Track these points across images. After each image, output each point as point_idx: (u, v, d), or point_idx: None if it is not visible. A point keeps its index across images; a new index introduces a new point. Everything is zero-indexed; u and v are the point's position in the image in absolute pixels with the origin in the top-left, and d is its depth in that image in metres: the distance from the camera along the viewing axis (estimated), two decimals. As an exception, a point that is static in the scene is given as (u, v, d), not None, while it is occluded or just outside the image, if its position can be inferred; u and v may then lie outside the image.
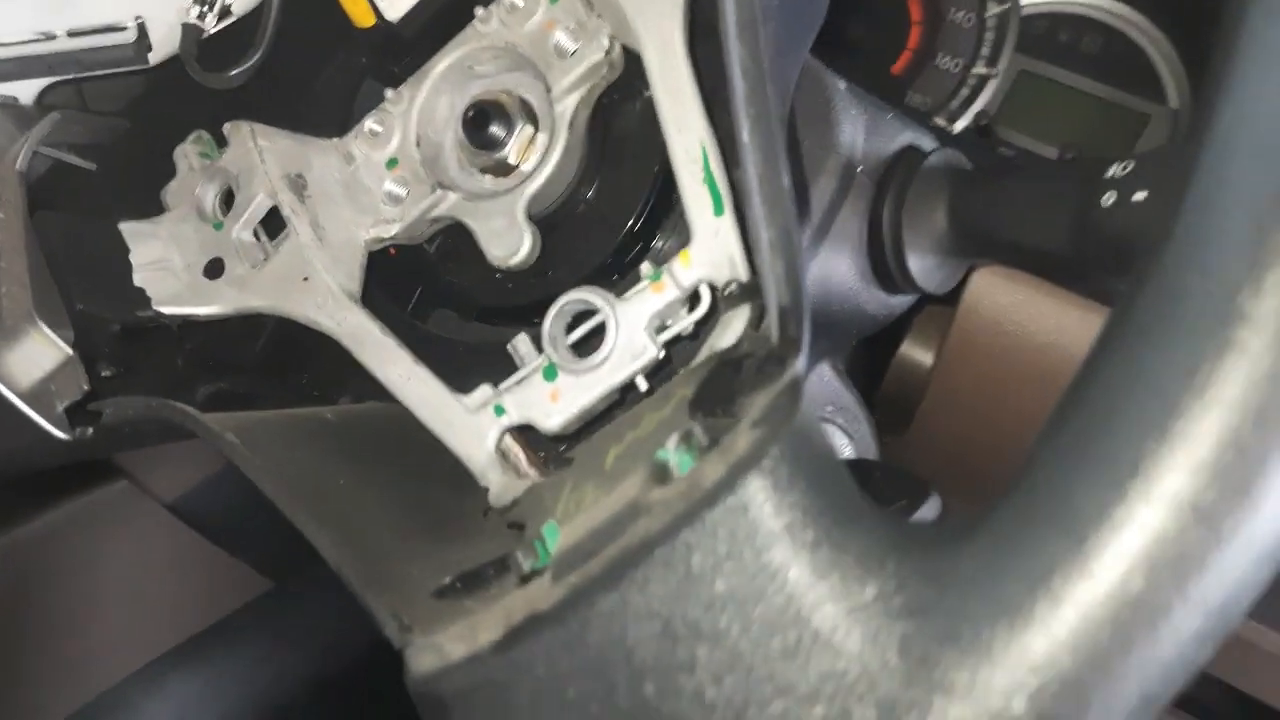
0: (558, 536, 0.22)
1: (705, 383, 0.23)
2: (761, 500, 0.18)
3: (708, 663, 0.17)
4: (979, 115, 0.47)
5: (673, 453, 0.21)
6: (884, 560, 0.17)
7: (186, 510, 0.76)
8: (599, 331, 0.28)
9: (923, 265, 0.32)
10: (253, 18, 0.33)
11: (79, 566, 0.75)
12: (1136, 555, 0.15)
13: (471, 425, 0.29)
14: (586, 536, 0.20)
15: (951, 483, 0.43)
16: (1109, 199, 0.27)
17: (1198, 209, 0.16)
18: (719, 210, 0.26)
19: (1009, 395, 0.39)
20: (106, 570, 0.76)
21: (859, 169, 0.32)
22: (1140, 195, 0.27)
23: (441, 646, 0.20)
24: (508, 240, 0.32)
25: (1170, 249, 0.16)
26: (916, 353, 0.45)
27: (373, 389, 0.33)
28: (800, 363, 0.20)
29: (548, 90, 0.32)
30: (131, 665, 0.76)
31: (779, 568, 0.17)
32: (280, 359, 0.35)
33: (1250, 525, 0.15)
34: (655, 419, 0.23)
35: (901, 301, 0.36)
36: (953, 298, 0.41)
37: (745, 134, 0.21)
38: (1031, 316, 0.38)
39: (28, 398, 0.26)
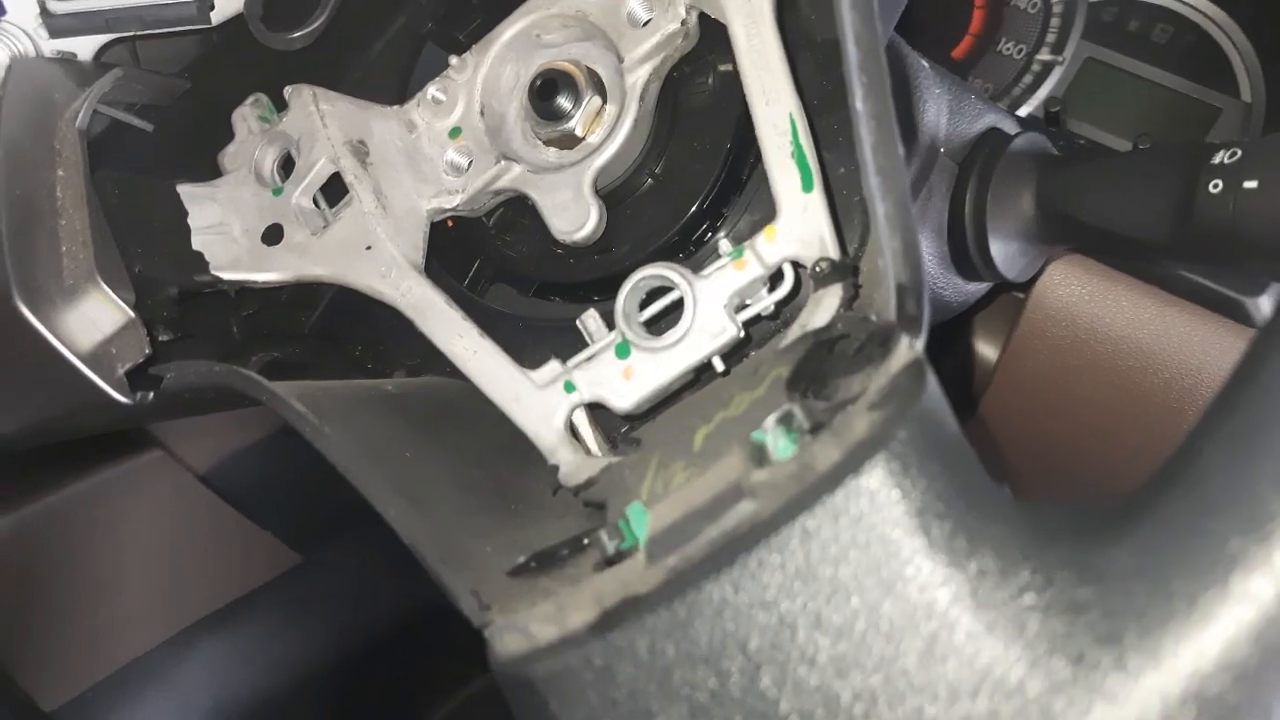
0: (646, 518, 0.21)
1: (802, 363, 0.22)
2: (889, 486, 0.17)
3: (832, 656, 0.16)
4: (1049, 101, 0.45)
5: (771, 434, 0.20)
6: (1027, 551, 0.16)
7: (218, 482, 0.76)
8: (673, 309, 0.27)
9: (1005, 251, 0.31)
10: (318, -22, 0.32)
11: (112, 534, 0.75)
12: None
13: (540, 401, 0.28)
14: (683, 518, 0.19)
15: (1015, 475, 0.42)
16: (1215, 186, 0.26)
17: None
18: (808, 186, 0.25)
19: (1078, 387, 0.38)
20: (138, 539, 0.76)
21: (941, 150, 0.31)
22: (1251, 184, 0.25)
23: (527, 628, 0.19)
24: (573, 214, 0.31)
25: None
26: (983, 344, 0.44)
27: (427, 363, 0.33)
28: (921, 342, 0.18)
29: (619, 61, 0.31)
30: (162, 634, 0.76)
31: (910, 558, 0.16)
32: (335, 329, 0.34)
33: None
34: (748, 399, 0.22)
35: (977, 289, 0.35)
36: (1020, 288, 0.40)
37: (860, 102, 0.20)
38: (1107, 308, 0.36)
39: (88, 360, 0.25)
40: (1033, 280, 0.38)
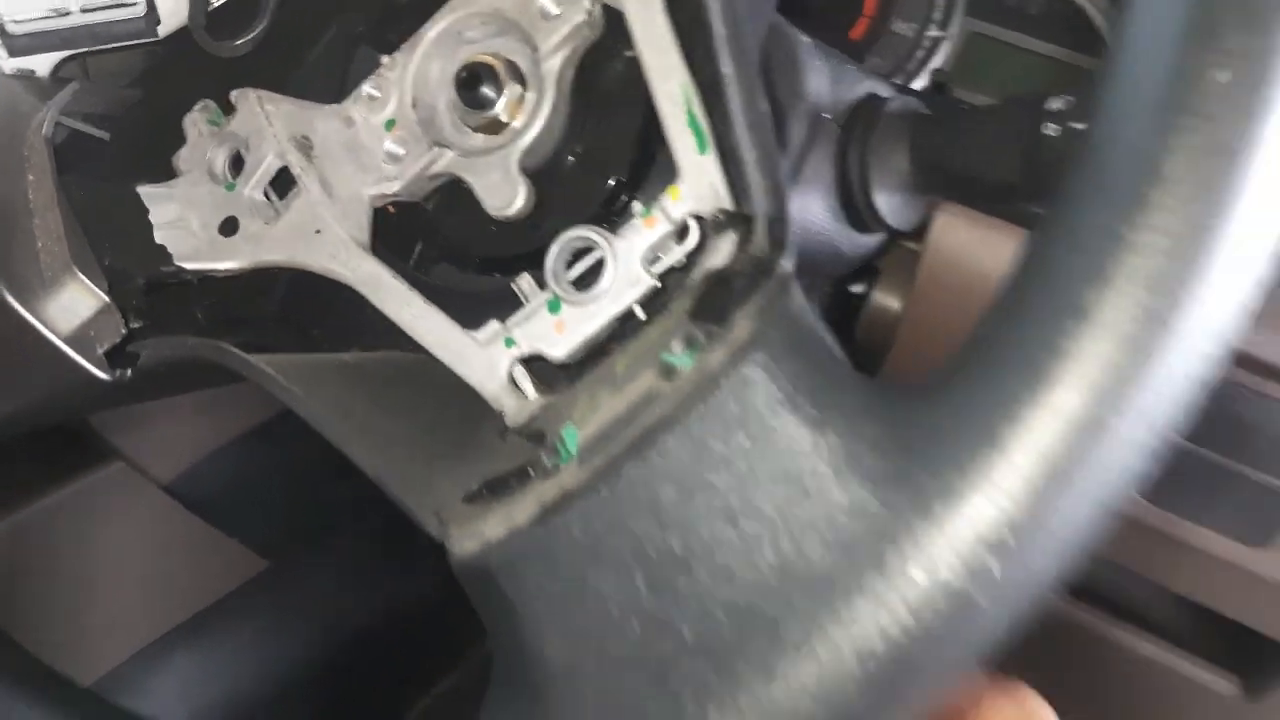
0: (577, 435, 0.24)
1: (701, 296, 0.26)
2: (764, 374, 0.21)
3: (724, 509, 0.20)
4: (935, 73, 0.50)
5: (677, 354, 0.24)
6: (869, 417, 0.20)
7: (183, 491, 0.78)
8: (597, 267, 0.31)
9: (889, 202, 0.35)
10: (255, -10, 0.35)
11: (78, 549, 0.76)
12: (1082, 382, 0.18)
13: (483, 357, 0.31)
14: (607, 426, 0.23)
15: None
16: (1051, 130, 0.30)
17: (1100, 138, 0.20)
18: (703, 148, 0.29)
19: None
20: (105, 552, 0.78)
21: (826, 115, 0.35)
22: (1080, 125, 0.30)
23: (481, 532, 0.23)
24: (504, 192, 0.34)
25: (1073, 180, 0.20)
26: (886, 298, 0.48)
27: (380, 341, 0.36)
28: (788, 261, 0.22)
29: (534, 52, 0.35)
30: (133, 645, 0.78)
31: (781, 428, 0.20)
32: (293, 314, 0.37)
33: (1136, 394, 0.18)
34: (658, 330, 0.26)
35: (871, 240, 0.39)
36: (912, 240, 0.44)
37: (726, 68, 0.24)
38: (991, 252, 0.41)
39: (70, 342, 0.28)
40: (925, 229, 0.42)
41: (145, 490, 0.75)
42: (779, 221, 0.23)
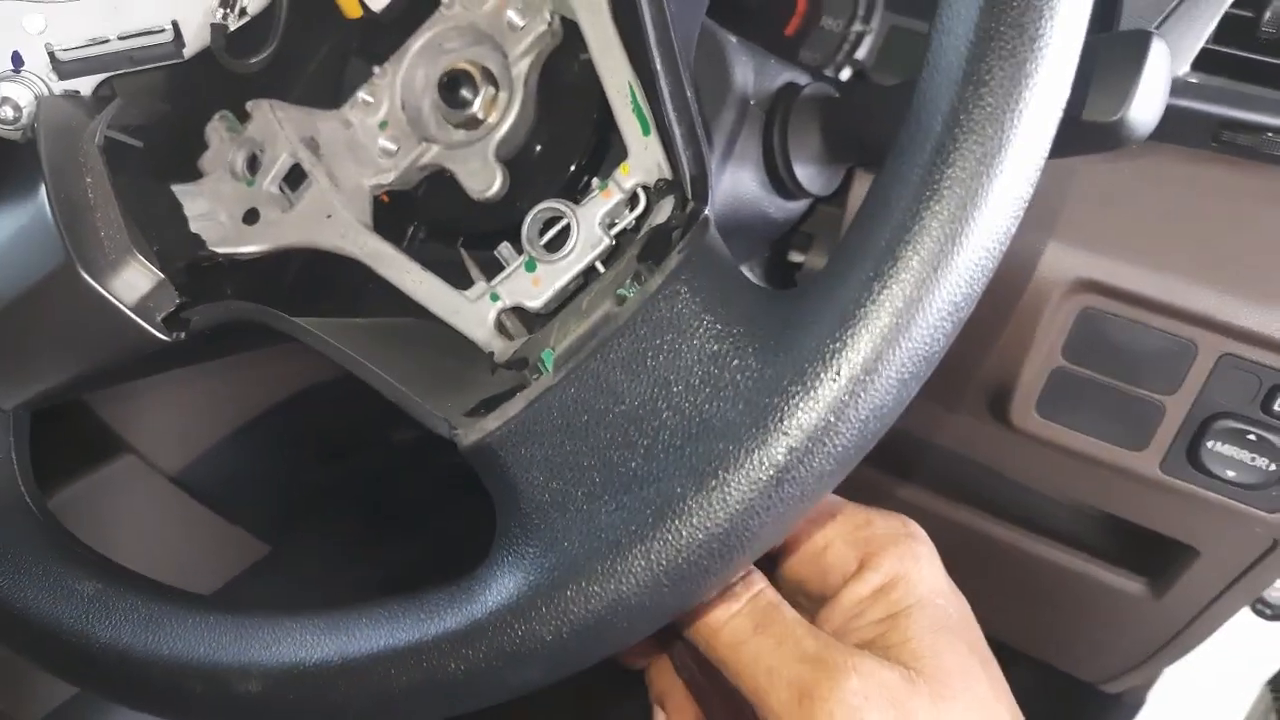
0: (552, 355, 0.31)
1: (647, 244, 0.33)
2: (688, 289, 0.28)
3: (661, 383, 0.27)
4: (854, 64, 0.57)
5: (628, 287, 0.31)
6: (765, 318, 0.27)
7: (190, 481, 0.83)
8: (564, 232, 0.37)
9: (807, 172, 0.42)
10: (263, 16, 0.41)
11: (90, 541, 0.81)
12: (904, 274, 0.25)
13: (474, 311, 0.38)
14: (574, 342, 0.30)
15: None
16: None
17: (915, 111, 0.27)
18: (646, 131, 0.36)
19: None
20: (118, 543, 0.83)
21: (751, 102, 0.42)
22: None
23: (483, 426, 0.30)
24: (483, 178, 0.41)
25: (902, 135, 0.27)
26: (817, 260, 0.55)
27: (382, 309, 0.42)
28: (708, 208, 0.29)
29: (504, 58, 0.41)
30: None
31: (699, 328, 0.27)
32: (306, 290, 0.44)
33: (941, 280, 0.26)
34: (614, 273, 0.33)
35: (797, 206, 0.46)
36: (833, 203, 0.51)
37: (656, 64, 0.31)
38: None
39: (135, 311, 0.34)
40: (845, 197, 0.49)
41: (154, 481, 0.81)
42: (700, 179, 0.31)
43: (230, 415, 0.83)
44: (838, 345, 0.25)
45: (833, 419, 0.25)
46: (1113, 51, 0.32)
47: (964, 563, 0.67)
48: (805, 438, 0.25)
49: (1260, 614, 0.61)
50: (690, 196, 0.31)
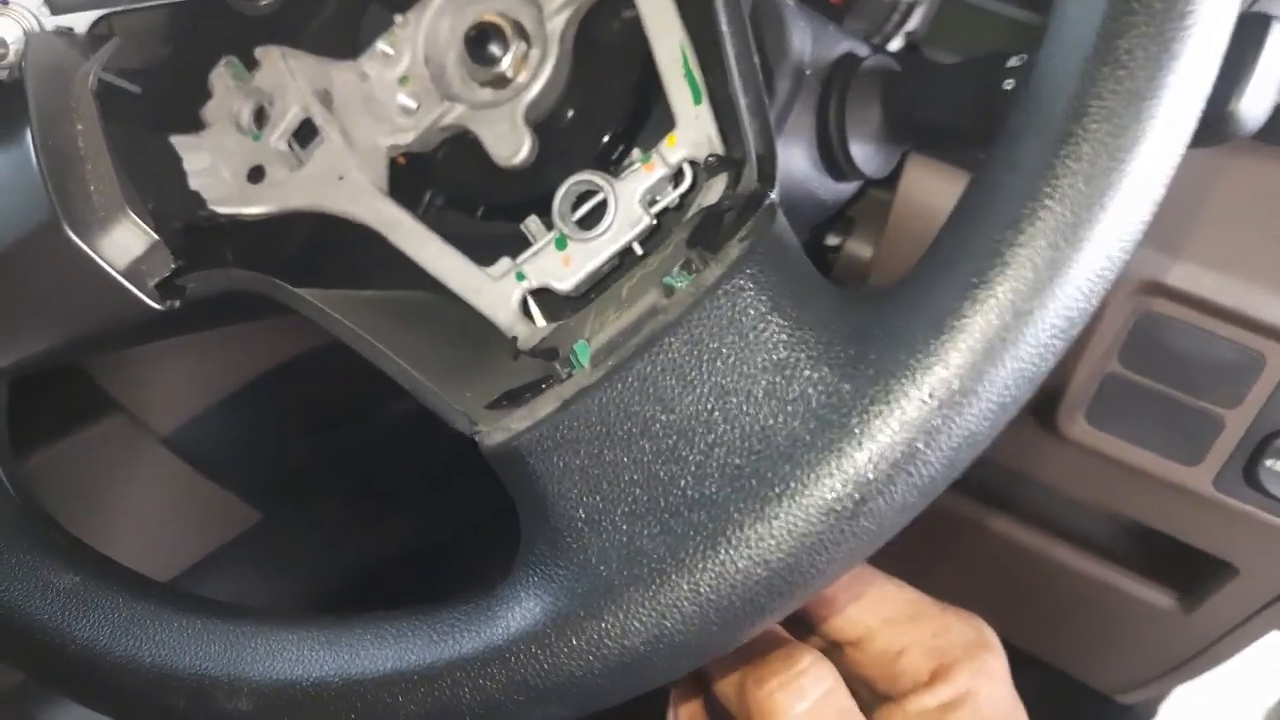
0: (588, 347, 0.28)
1: (697, 228, 0.29)
2: (753, 283, 0.24)
3: (718, 393, 0.24)
4: (908, 35, 0.53)
5: (677, 276, 0.27)
6: (839, 316, 0.24)
7: (180, 444, 0.80)
8: (599, 209, 0.34)
9: (863, 151, 0.39)
10: (277, -48, 0.37)
11: (78, 500, 0.78)
12: (1014, 281, 0.22)
13: (497, 290, 0.35)
14: (615, 336, 0.27)
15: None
16: (1008, 84, 0.34)
17: (1033, 94, 0.23)
18: (697, 100, 0.32)
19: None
20: (104, 503, 0.80)
21: (808, 72, 0.38)
22: (1034, 80, 0.33)
23: (508, 426, 0.27)
24: (510, 142, 0.37)
25: (1014, 121, 0.24)
26: (859, 247, 0.51)
27: (393, 282, 0.39)
28: (775, 192, 0.26)
29: (538, 11, 0.38)
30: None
31: (766, 327, 0.24)
32: (313, 258, 0.40)
33: (1055, 289, 0.23)
34: (659, 258, 0.29)
35: (847, 188, 0.42)
36: (883, 189, 0.47)
37: (723, 26, 0.27)
38: (953, 202, 0.44)
39: (126, 275, 0.31)
40: (895, 183, 0.45)
41: (145, 443, 0.78)
42: (768, 159, 0.27)
43: (226, 379, 0.80)
44: (930, 360, 0.22)
45: (921, 446, 0.22)
46: None
47: (984, 564, 0.65)
48: (888, 465, 0.22)
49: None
50: (756, 177, 0.27)
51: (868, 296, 0.25)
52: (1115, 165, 0.22)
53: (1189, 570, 0.56)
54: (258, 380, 0.81)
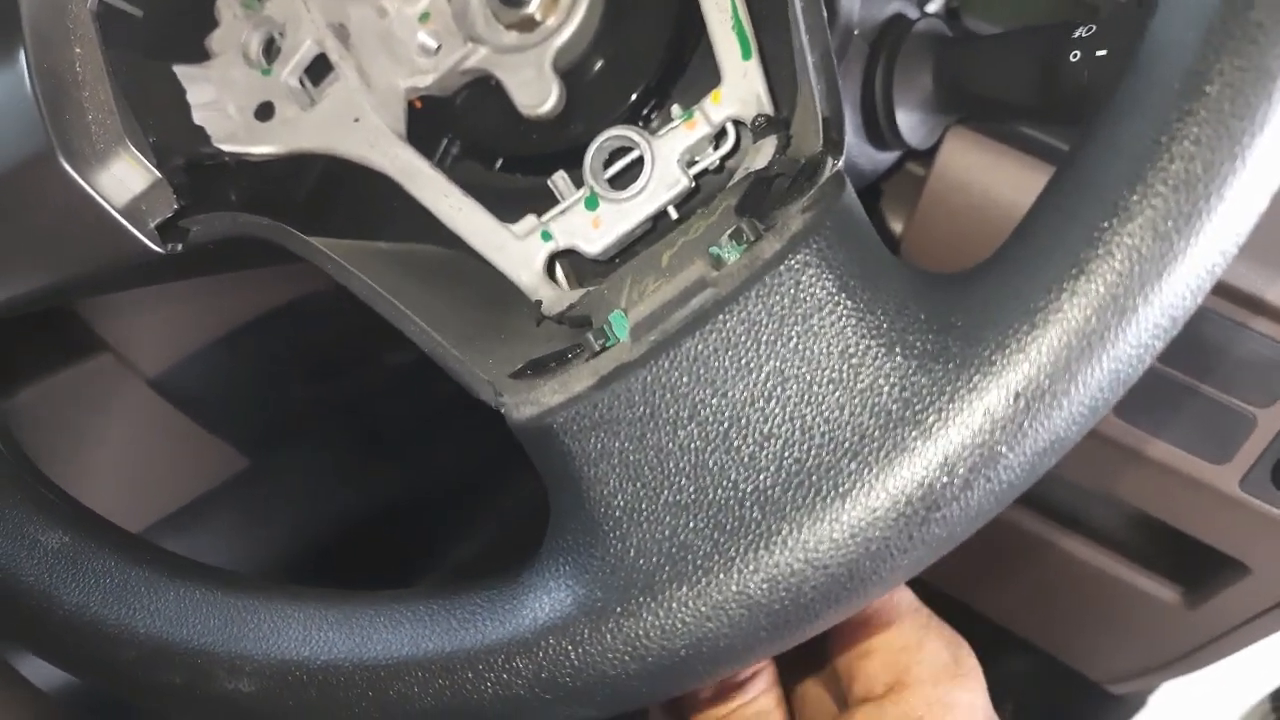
0: (626, 318, 0.26)
1: (746, 194, 0.27)
2: (819, 259, 0.22)
3: (778, 379, 0.22)
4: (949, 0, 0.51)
5: (725, 247, 0.25)
6: (913, 299, 0.22)
7: (168, 387, 0.78)
8: (633, 167, 0.32)
9: (909, 121, 0.37)
10: None
11: (61, 440, 0.76)
12: (1114, 272, 0.20)
13: (521, 249, 0.32)
14: (658, 309, 0.25)
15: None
16: (1075, 56, 0.32)
17: (1143, 66, 0.21)
18: (746, 54, 0.30)
19: (973, 250, 0.44)
20: (89, 444, 0.78)
21: (855, 32, 0.36)
22: (1102, 52, 0.31)
23: (539, 399, 0.25)
24: (536, 90, 0.35)
25: (1119, 96, 0.21)
26: (889, 220, 0.49)
27: (407, 234, 0.37)
28: (843, 160, 0.24)
29: (572, -50, 0.35)
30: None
31: (834, 309, 0.22)
32: (323, 204, 0.38)
33: (1161, 283, 0.21)
34: (704, 224, 0.27)
35: (887, 157, 0.40)
36: (921, 162, 0.45)
37: (791, -26, 0.25)
38: (996, 178, 0.42)
39: (124, 214, 0.29)
40: (932, 156, 0.43)
41: (131, 383, 0.76)
42: (835, 123, 0.25)
43: (217, 321, 0.77)
44: (1017, 353, 0.20)
45: (1003, 449, 0.21)
46: None
47: (984, 547, 0.64)
48: (965, 469, 0.21)
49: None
50: (820, 143, 0.25)
51: (947, 281, 0.23)
52: (1237, 150, 0.20)
53: (1197, 566, 0.55)
54: (251, 324, 0.79)
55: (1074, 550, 0.59)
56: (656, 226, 0.32)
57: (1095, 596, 0.61)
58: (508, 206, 0.35)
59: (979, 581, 0.68)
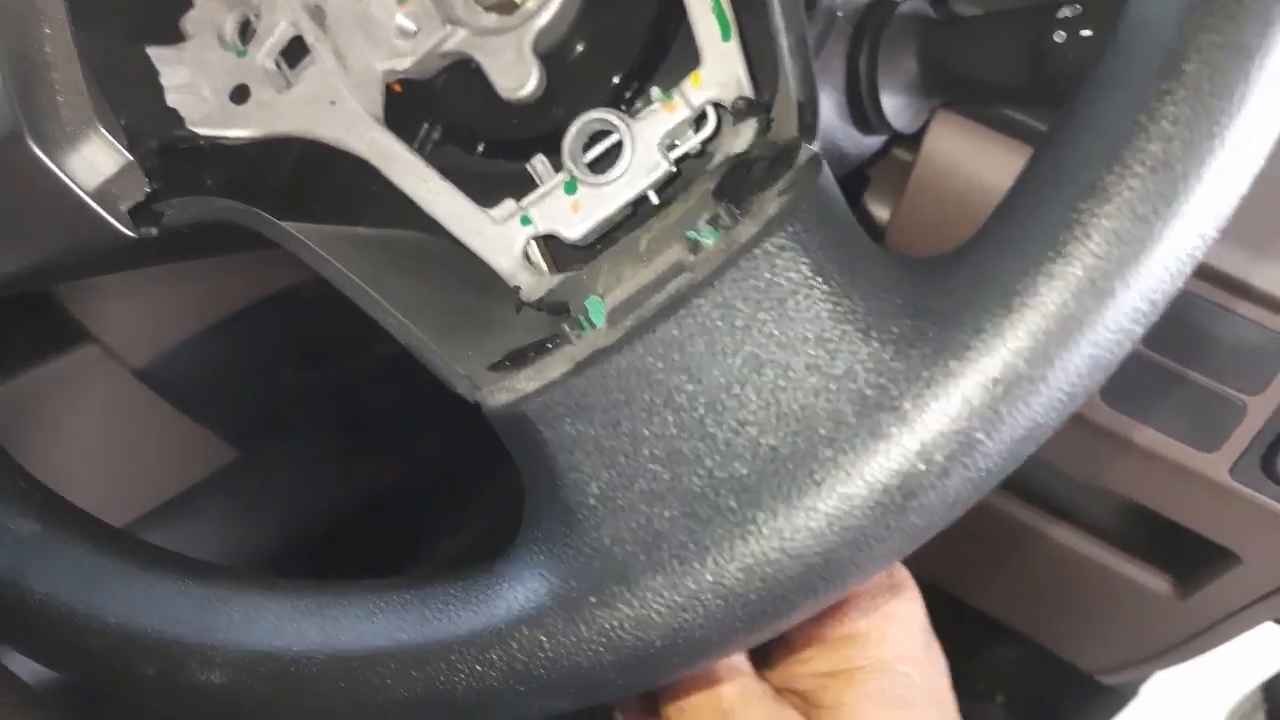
0: (602, 304, 0.26)
1: (725, 178, 0.27)
2: (795, 242, 0.22)
3: (753, 365, 0.22)
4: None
5: (702, 231, 0.25)
6: (890, 284, 0.21)
7: (155, 377, 0.77)
8: (613, 151, 0.31)
9: (894, 104, 0.36)
10: None
11: (46, 432, 0.76)
12: (1092, 255, 0.20)
13: (499, 234, 0.32)
14: (635, 293, 0.24)
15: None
16: (1059, 37, 0.31)
17: (1122, 43, 0.21)
18: (726, 36, 0.30)
19: (960, 235, 0.44)
20: (74, 436, 0.77)
21: (839, 14, 0.36)
22: (1087, 32, 0.31)
23: (514, 386, 0.24)
24: (516, 73, 0.35)
25: (1099, 73, 0.21)
26: (875, 208, 0.49)
27: (387, 220, 0.36)
28: (818, 143, 0.23)
29: (552, -69, 0.35)
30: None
31: (809, 293, 0.22)
32: (300, 189, 0.37)
33: (1140, 266, 0.20)
34: (681, 209, 0.27)
35: (872, 142, 0.40)
36: (907, 148, 0.45)
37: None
38: (982, 163, 0.42)
39: (95, 197, 0.28)
40: (919, 142, 0.43)
41: (117, 374, 0.75)
42: (809, 107, 0.25)
43: (204, 310, 0.77)
44: (994, 338, 0.20)
45: (980, 436, 0.20)
46: None
47: (972, 537, 0.64)
48: (942, 455, 0.20)
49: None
50: (794, 127, 0.25)
51: (925, 265, 0.23)
52: (1217, 129, 0.19)
53: (1187, 555, 0.55)
54: (239, 313, 0.78)
55: (1064, 540, 0.59)
56: (637, 212, 0.32)
57: (1086, 587, 0.61)
58: (490, 192, 0.35)
59: (969, 573, 0.68)
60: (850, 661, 0.29)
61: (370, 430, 0.92)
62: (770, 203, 0.24)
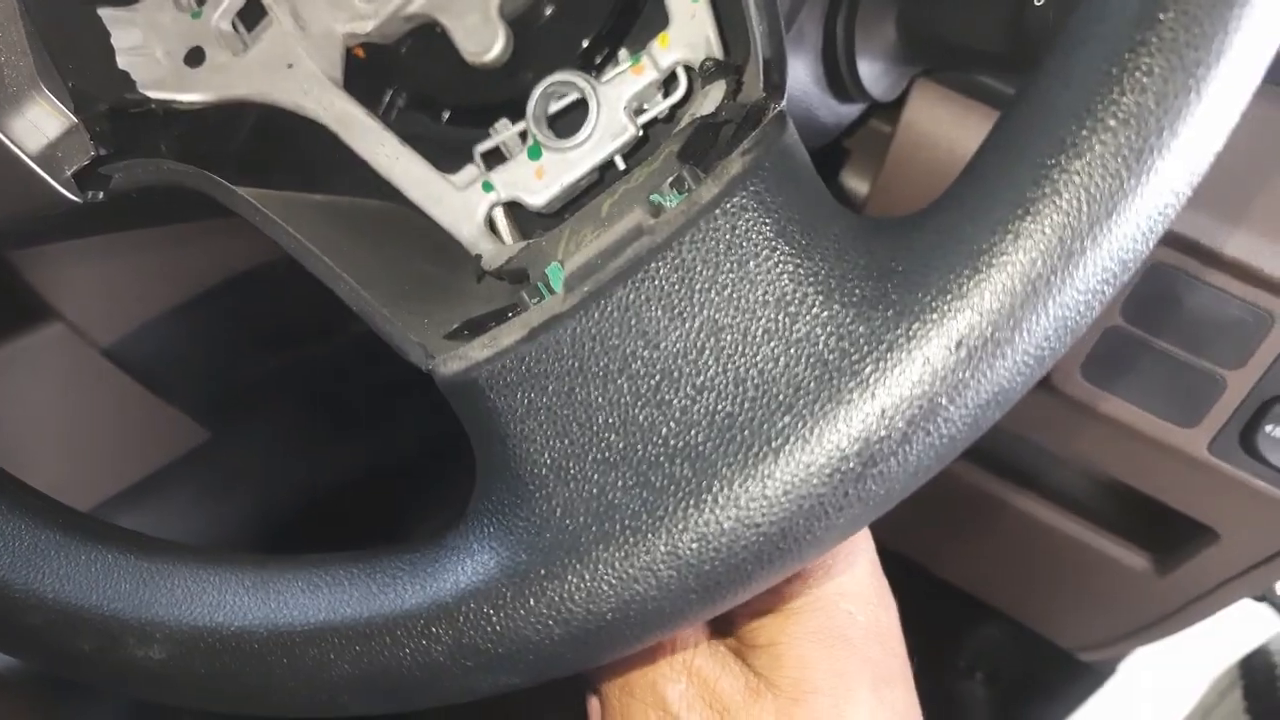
0: (561, 271, 0.25)
1: (690, 140, 0.26)
2: (757, 202, 0.21)
3: (711, 329, 0.21)
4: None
5: (666, 194, 0.24)
6: (854, 245, 0.21)
7: (124, 356, 0.76)
8: (579, 115, 0.30)
9: (871, 71, 0.35)
10: None
11: (12, 412, 0.74)
12: (1062, 213, 0.19)
13: (461, 201, 0.31)
14: (593, 258, 0.23)
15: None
16: (1039, 1, 0.30)
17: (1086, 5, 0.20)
18: (695, -5, 0.29)
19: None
20: (41, 416, 0.76)
21: (815, -23, 0.35)
22: (1068, -5, 0.30)
23: (466, 354, 0.23)
24: (482, 37, 0.33)
25: (1073, 24, 0.20)
26: (854, 180, 0.48)
27: (347, 187, 0.35)
28: (784, 102, 0.23)
29: (519, -109, 0.33)
30: (72, 510, 0.76)
31: (770, 253, 0.21)
32: (259, 156, 0.36)
33: (1111, 225, 0.20)
34: (645, 172, 0.26)
35: (849, 111, 0.39)
36: (886, 118, 0.44)
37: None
38: (962, 132, 0.41)
39: (38, 160, 0.27)
40: (898, 113, 0.42)
41: (84, 353, 0.73)
42: (776, 65, 0.24)
43: (173, 287, 0.75)
44: (960, 302, 0.19)
45: (943, 401, 0.19)
46: None
47: (951, 514, 0.63)
48: (903, 421, 0.19)
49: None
50: (761, 86, 0.24)
51: (890, 225, 0.22)
52: (1192, 83, 0.19)
53: (1166, 533, 0.55)
54: (209, 290, 0.76)
55: (1043, 517, 0.59)
56: (604, 178, 0.31)
57: (1065, 564, 0.61)
58: (458, 161, 0.34)
59: (949, 550, 0.67)
60: (785, 599, 0.28)
61: (343, 411, 0.91)
62: (733, 163, 0.23)
